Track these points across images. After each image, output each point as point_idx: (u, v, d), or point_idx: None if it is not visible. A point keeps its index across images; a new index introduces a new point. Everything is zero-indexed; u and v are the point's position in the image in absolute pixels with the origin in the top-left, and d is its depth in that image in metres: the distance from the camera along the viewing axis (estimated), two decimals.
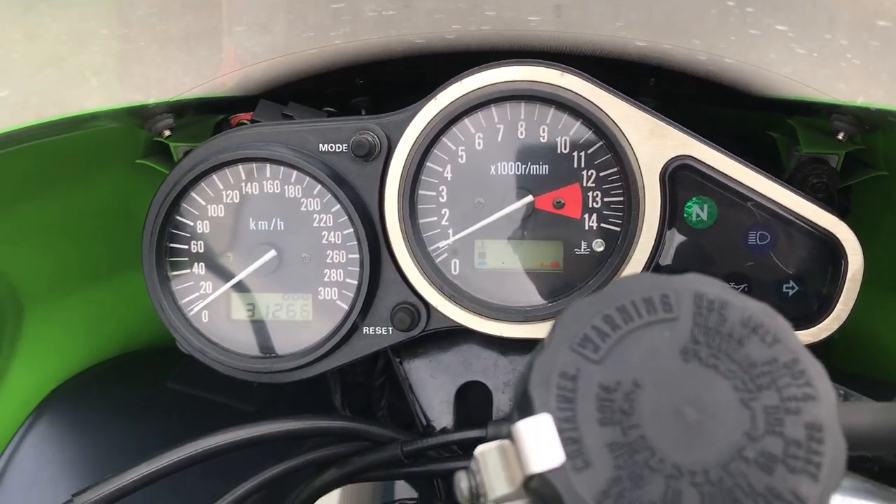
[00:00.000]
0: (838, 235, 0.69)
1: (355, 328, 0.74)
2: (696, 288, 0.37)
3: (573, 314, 0.36)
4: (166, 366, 1.08)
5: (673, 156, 0.69)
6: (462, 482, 0.38)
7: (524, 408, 0.35)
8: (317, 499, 0.80)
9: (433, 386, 0.82)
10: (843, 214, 0.71)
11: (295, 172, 0.73)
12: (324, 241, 0.74)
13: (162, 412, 1.02)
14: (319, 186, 0.73)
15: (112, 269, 1.08)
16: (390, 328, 0.74)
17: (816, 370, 0.35)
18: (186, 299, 0.76)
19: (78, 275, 1.05)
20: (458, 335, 0.81)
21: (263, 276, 0.75)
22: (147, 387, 1.05)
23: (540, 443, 0.34)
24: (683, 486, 0.33)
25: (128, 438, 0.99)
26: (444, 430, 0.77)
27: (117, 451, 0.99)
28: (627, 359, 0.35)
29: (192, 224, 0.75)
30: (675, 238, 0.71)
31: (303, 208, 0.74)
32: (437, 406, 0.82)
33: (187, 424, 1.02)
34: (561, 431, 0.34)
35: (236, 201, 0.74)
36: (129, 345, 1.13)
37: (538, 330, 0.72)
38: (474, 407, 0.83)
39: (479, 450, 0.38)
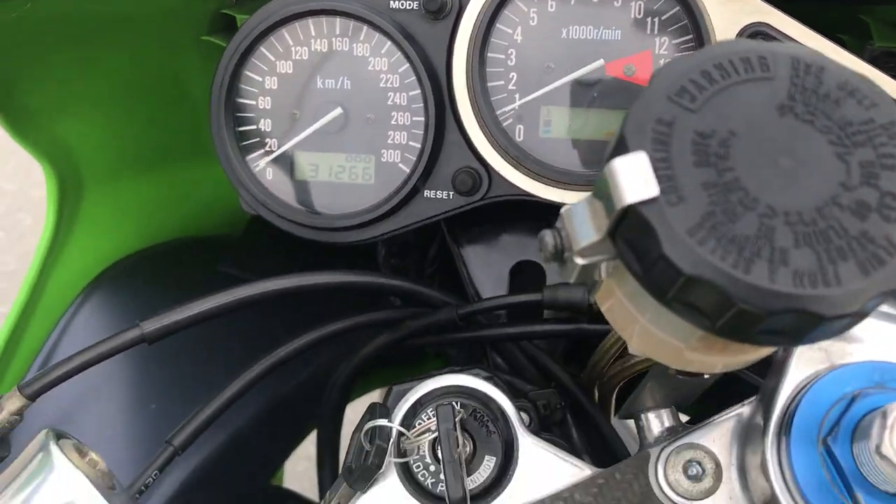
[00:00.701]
0: None
1: (416, 191, 0.74)
2: (794, 52, 0.37)
3: (670, 67, 0.36)
4: (219, 252, 1.10)
5: (749, 22, 0.68)
6: (547, 237, 0.38)
7: (618, 151, 0.35)
8: (366, 364, 0.81)
9: (486, 264, 0.83)
10: None
11: (364, 28, 0.73)
12: (389, 103, 0.74)
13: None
14: (388, 44, 0.73)
15: (169, 155, 1.09)
16: (451, 192, 0.75)
17: None
18: (252, 155, 0.77)
19: (136, 158, 1.07)
20: (514, 214, 0.81)
21: (328, 136, 0.76)
22: (198, 270, 1.07)
23: (634, 177, 0.34)
24: (777, 224, 0.33)
25: None
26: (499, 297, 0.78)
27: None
28: (723, 110, 0.35)
29: (259, 80, 0.76)
30: None
31: (370, 67, 0.74)
32: (490, 284, 0.82)
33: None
34: (656, 169, 0.34)
35: (304, 58, 0.75)
36: (182, 233, 1.15)
37: None
38: (528, 286, 0.83)
39: (565, 207, 0.38)
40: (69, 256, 1.03)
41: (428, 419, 0.56)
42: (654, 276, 0.35)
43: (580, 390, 0.76)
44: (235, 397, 0.70)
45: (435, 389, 0.58)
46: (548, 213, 0.77)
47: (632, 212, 0.34)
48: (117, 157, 1.04)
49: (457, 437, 0.52)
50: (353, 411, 0.81)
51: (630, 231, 0.35)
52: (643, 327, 0.40)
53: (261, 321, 1.01)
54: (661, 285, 0.35)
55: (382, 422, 0.55)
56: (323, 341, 0.75)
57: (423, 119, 0.73)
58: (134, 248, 1.10)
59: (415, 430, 0.56)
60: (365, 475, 0.56)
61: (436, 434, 0.54)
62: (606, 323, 0.70)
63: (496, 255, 0.82)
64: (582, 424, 0.76)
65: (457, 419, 0.53)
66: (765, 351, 0.41)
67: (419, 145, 0.74)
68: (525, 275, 0.82)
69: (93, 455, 0.54)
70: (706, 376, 0.46)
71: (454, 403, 0.55)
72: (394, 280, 0.74)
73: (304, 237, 0.77)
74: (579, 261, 0.37)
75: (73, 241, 1.03)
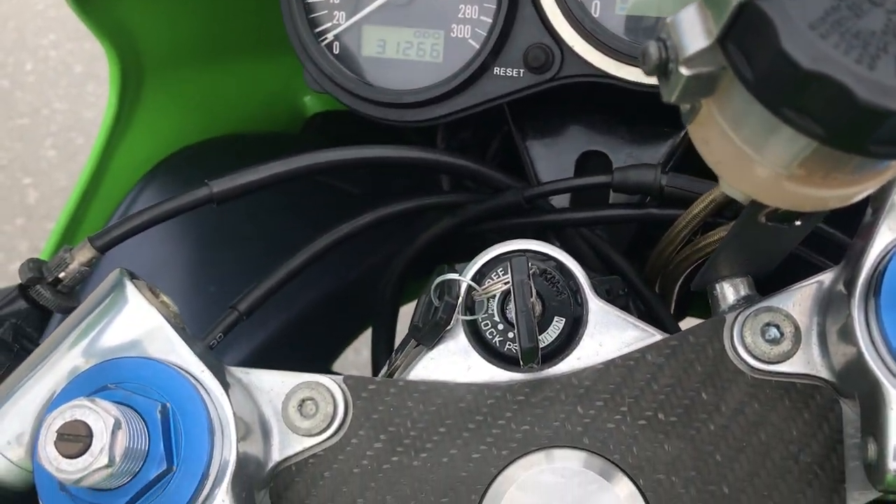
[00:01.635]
0: None
1: (486, 68, 0.73)
2: None
3: None
4: (276, 148, 1.10)
5: None
6: (651, 48, 0.36)
7: None
8: (428, 248, 0.81)
9: (551, 155, 0.81)
10: None
11: None
12: None
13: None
14: None
15: (231, 48, 1.09)
16: (522, 70, 0.73)
17: None
18: (320, 28, 0.75)
19: (198, 48, 1.06)
20: (583, 102, 0.79)
21: (397, 9, 0.74)
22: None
23: None
24: None
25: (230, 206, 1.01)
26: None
27: (220, 218, 1.01)
28: None
29: None
30: None
31: None
32: (554, 175, 0.81)
33: (293, 198, 1.04)
34: None
35: None
36: (240, 128, 1.14)
37: None
38: None
39: (670, 17, 0.36)
40: (129, 144, 1.04)
41: (498, 278, 0.55)
42: (767, 78, 0.33)
43: (642, 281, 0.75)
44: (299, 269, 0.70)
45: (506, 252, 0.57)
46: (618, 99, 0.76)
47: (749, 7, 0.32)
48: (179, 45, 1.03)
49: (530, 288, 0.51)
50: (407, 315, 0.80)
51: (745, 31, 0.33)
52: (742, 155, 0.39)
53: (325, 204, 1.02)
54: (775, 88, 0.33)
55: (453, 276, 0.55)
56: (385, 221, 0.75)
57: None
58: (193, 139, 1.10)
59: (485, 285, 0.55)
60: (433, 331, 0.55)
61: (507, 286, 0.53)
62: (676, 208, 0.70)
63: (562, 144, 0.81)
64: (643, 317, 0.75)
65: (530, 272, 0.52)
66: (865, 186, 0.39)
67: (490, 20, 0.72)
68: (591, 167, 0.81)
69: (165, 298, 0.55)
70: (797, 223, 0.45)
71: (528, 259, 0.54)
72: (460, 159, 0.73)
73: (368, 115, 0.76)
74: (684, 71, 0.36)
75: (133, 129, 1.04)
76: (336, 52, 0.76)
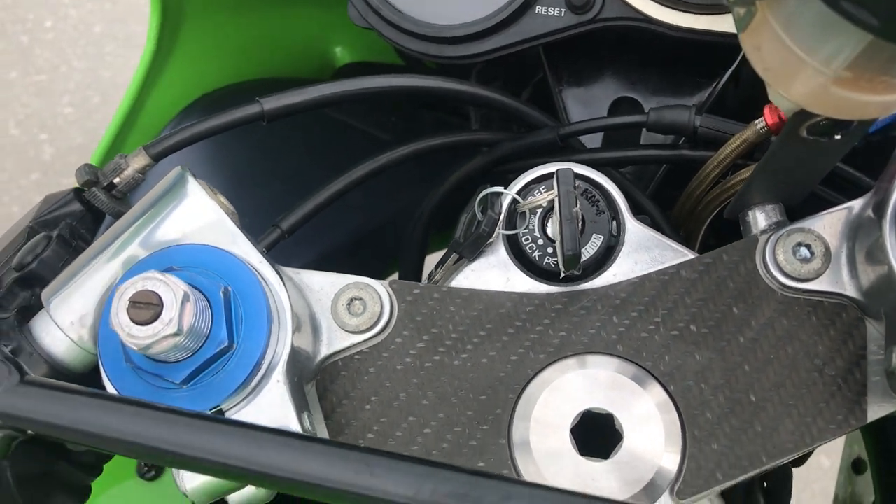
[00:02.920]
0: None
1: (528, 5, 0.75)
2: None
3: None
4: None
5: None
6: None
7: None
8: (463, 186, 0.83)
9: (585, 100, 0.83)
10: None
11: None
12: None
13: (302, 130, 1.06)
14: None
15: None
16: (563, 10, 0.75)
17: None
18: None
19: None
20: (617, 49, 0.81)
21: None
22: None
23: None
24: None
25: (266, 147, 1.04)
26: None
27: (255, 156, 1.04)
28: None
29: None
30: None
31: None
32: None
33: (327, 142, 1.06)
34: None
35: None
36: (273, 74, 1.17)
37: (721, 22, 0.72)
38: None
39: None
40: (165, 83, 1.06)
41: (540, 194, 0.57)
42: None
43: (668, 222, 0.77)
44: (341, 193, 0.72)
45: (549, 173, 0.60)
46: (653, 46, 0.78)
47: None
48: None
49: (575, 198, 0.54)
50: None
51: None
52: (792, 58, 0.41)
53: (357, 148, 1.04)
54: None
55: (498, 189, 0.57)
56: (421, 155, 0.77)
57: None
58: (226, 82, 1.13)
59: (529, 199, 0.57)
60: (476, 243, 0.58)
61: (551, 199, 0.56)
62: (707, 149, 0.72)
63: (595, 90, 0.83)
64: None
65: (574, 185, 0.55)
66: None
67: None
68: (623, 113, 0.83)
69: (222, 198, 0.57)
70: (837, 137, 0.47)
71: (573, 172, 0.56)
72: (502, 95, 0.75)
73: (409, 49, 0.77)
74: None
75: (169, 69, 1.06)
76: None
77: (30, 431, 0.40)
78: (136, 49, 2.94)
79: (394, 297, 0.57)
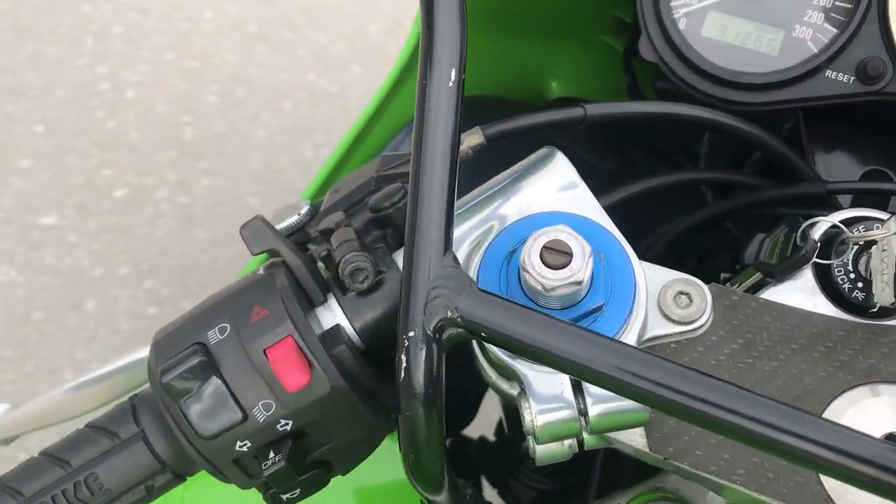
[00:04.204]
0: None
1: (819, 69, 0.81)
2: None
3: None
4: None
5: None
6: None
7: None
8: (710, 223, 0.88)
9: (837, 164, 0.88)
10: None
11: None
12: None
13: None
14: None
15: (512, 24, 1.19)
16: (852, 77, 0.81)
17: None
18: (674, 3, 0.84)
19: (492, 18, 1.16)
20: (873, 119, 0.87)
21: (745, 2, 0.83)
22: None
23: None
24: None
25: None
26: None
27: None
28: None
29: None
30: None
31: None
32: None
33: None
34: None
35: None
36: (495, 93, 1.24)
37: None
38: None
39: None
40: (407, 91, 1.14)
41: (875, 230, 0.62)
42: None
43: None
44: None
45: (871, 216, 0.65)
46: None
47: None
48: (485, 11, 1.13)
49: None
50: None
51: None
52: None
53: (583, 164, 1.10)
54: None
55: (826, 219, 0.62)
56: (690, 184, 0.83)
57: (848, 5, 0.80)
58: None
59: (857, 233, 0.62)
60: (792, 266, 0.63)
61: (881, 236, 0.60)
62: None
63: (848, 157, 0.88)
64: None
65: None
66: None
67: (835, 30, 0.80)
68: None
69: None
70: None
71: None
72: (766, 135, 0.80)
73: (696, 88, 0.84)
74: None
75: (412, 78, 1.15)
76: (682, 26, 0.84)
77: (482, 335, 0.45)
78: (285, 53, 3.10)
79: (713, 299, 0.62)
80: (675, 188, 0.86)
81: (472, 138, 0.71)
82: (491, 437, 1.18)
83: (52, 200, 2.66)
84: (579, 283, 0.51)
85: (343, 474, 0.62)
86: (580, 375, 0.44)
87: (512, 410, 1.03)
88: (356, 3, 3.29)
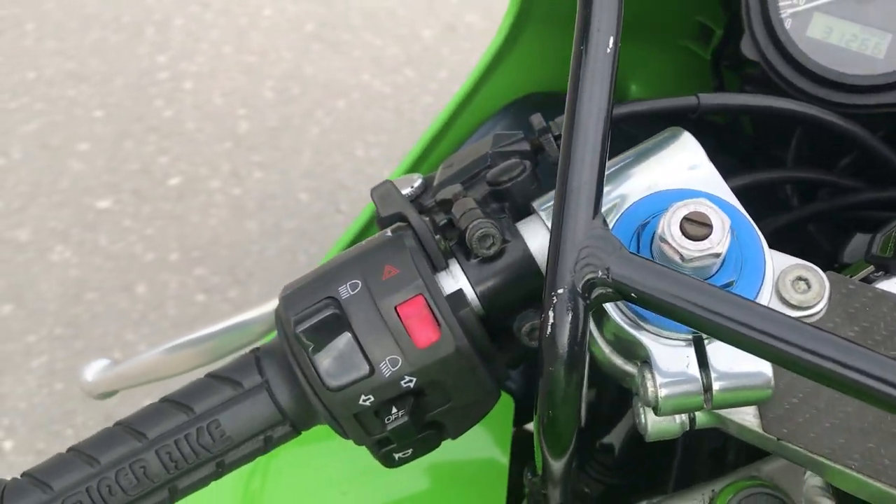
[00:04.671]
0: None
1: None
2: None
3: None
4: None
5: None
6: None
7: None
8: (803, 223, 0.89)
9: None
10: None
11: None
12: None
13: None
14: None
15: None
16: None
17: None
18: (782, 3, 0.85)
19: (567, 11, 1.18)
20: None
21: (852, 4, 0.83)
22: None
23: None
24: None
25: None
26: None
27: None
28: None
29: None
30: None
31: None
32: None
33: None
34: None
35: None
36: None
37: None
38: None
39: None
40: (498, 77, 1.16)
41: None
42: None
43: None
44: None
45: None
46: None
47: None
48: (560, 5, 1.15)
49: None
50: None
51: None
52: None
53: None
54: None
55: None
56: (778, 182, 0.84)
57: None
58: (536, 88, 1.22)
59: None
60: None
61: None
62: None
63: None
64: None
65: None
66: None
67: None
68: None
69: None
70: None
71: None
72: (862, 131, 0.81)
73: (799, 88, 0.85)
74: None
75: (504, 65, 1.17)
76: (787, 25, 0.85)
77: (632, 295, 0.47)
78: (340, 53, 3.13)
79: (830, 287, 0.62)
80: (761, 187, 0.87)
81: None
82: None
83: (108, 184, 2.71)
84: (718, 255, 0.52)
85: (453, 438, 0.63)
86: (732, 341, 0.45)
87: (595, 401, 1.04)
88: (411, 7, 3.33)
